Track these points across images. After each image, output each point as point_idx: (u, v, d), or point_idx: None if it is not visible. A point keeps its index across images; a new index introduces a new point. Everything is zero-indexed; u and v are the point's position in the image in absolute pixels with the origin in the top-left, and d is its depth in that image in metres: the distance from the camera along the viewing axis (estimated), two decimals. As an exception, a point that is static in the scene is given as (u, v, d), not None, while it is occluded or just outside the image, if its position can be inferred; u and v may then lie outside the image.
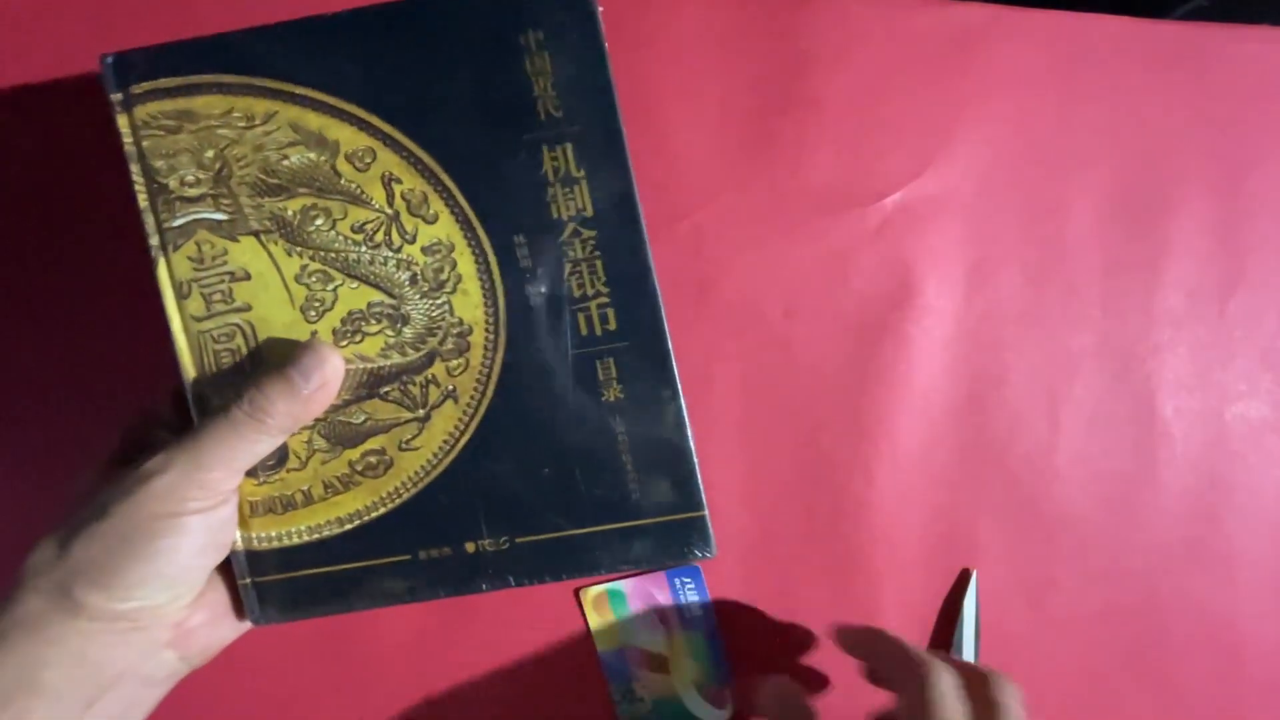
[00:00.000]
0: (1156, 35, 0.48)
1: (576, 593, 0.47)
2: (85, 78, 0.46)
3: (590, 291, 0.34)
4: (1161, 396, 0.48)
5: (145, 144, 0.35)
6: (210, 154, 0.34)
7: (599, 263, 0.34)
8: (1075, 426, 0.48)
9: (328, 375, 0.32)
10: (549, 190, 0.34)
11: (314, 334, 0.34)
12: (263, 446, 0.32)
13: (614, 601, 0.47)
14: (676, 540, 0.36)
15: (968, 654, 0.47)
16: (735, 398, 0.47)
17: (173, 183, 0.35)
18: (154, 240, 0.35)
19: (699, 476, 0.36)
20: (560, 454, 0.35)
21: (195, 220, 0.35)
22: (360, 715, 0.47)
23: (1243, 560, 0.48)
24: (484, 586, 0.36)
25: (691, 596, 0.47)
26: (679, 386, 0.35)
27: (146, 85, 0.34)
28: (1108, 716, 0.48)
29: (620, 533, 0.36)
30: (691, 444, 0.36)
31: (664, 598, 0.47)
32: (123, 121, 0.35)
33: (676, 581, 0.47)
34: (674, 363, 0.35)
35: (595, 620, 0.47)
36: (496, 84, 0.34)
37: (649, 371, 0.35)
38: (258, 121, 0.34)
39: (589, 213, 0.34)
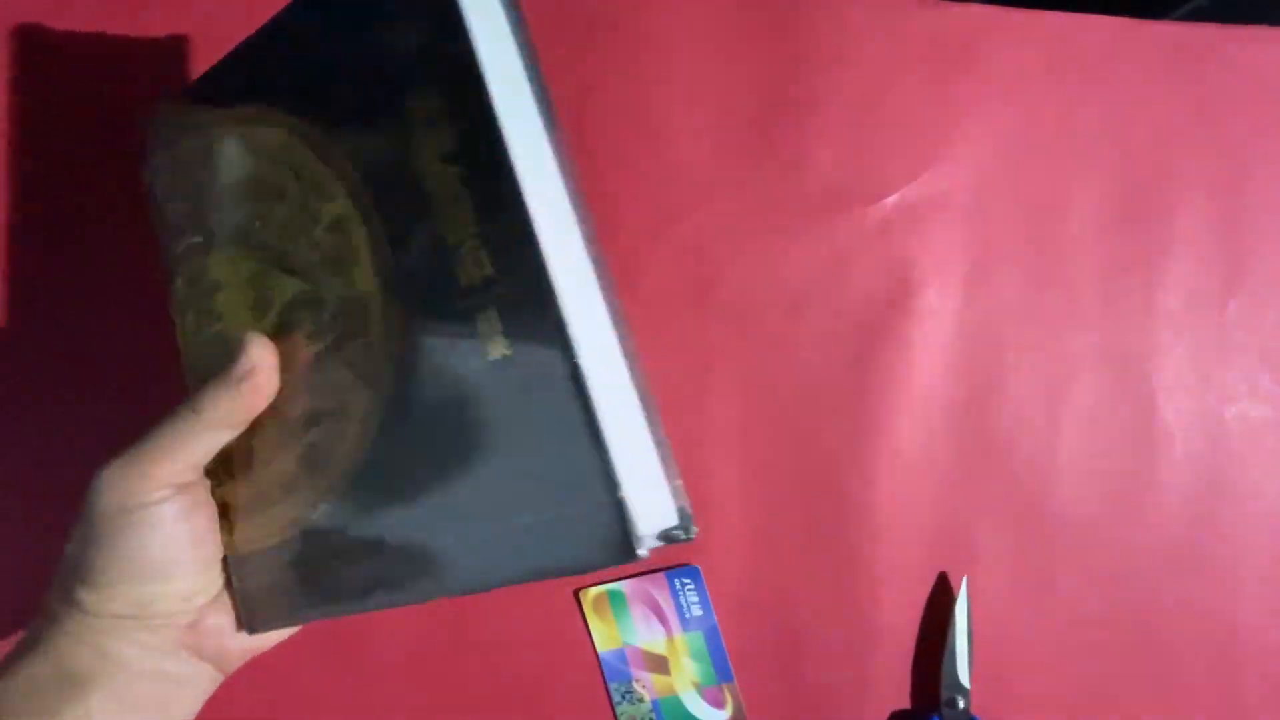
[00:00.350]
0: (1156, 35, 0.48)
1: (576, 593, 0.47)
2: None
3: (464, 235, 0.29)
4: (1161, 397, 0.48)
5: (156, 188, 0.39)
6: (189, 183, 0.38)
7: (468, 200, 0.29)
8: (1075, 427, 0.48)
9: (252, 365, 0.32)
10: (414, 134, 0.30)
11: (249, 331, 0.34)
12: (205, 440, 0.32)
13: (614, 601, 0.47)
14: (583, 535, 0.27)
15: (961, 662, 0.47)
16: (735, 398, 0.47)
17: (171, 216, 0.38)
18: (168, 269, 0.38)
19: (610, 452, 0.26)
20: (460, 428, 0.30)
21: (188, 246, 0.38)
22: (360, 715, 0.47)
23: (1242, 560, 0.48)
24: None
25: (691, 596, 0.47)
26: (570, 335, 0.27)
27: (161, 138, 0.39)
28: (1108, 716, 0.48)
29: (525, 529, 0.28)
30: (596, 409, 0.27)
31: (664, 598, 0.47)
32: (147, 174, 0.39)
33: (676, 582, 0.47)
34: (563, 307, 0.27)
35: (595, 620, 0.47)
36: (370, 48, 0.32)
37: (531, 320, 0.28)
38: (214, 143, 0.37)
39: (451, 148, 0.29)
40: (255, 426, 0.34)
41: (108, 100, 0.47)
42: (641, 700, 0.48)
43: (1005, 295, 0.48)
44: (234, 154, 0.36)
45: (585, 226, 0.29)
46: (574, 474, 0.27)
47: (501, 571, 0.29)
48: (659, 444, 0.29)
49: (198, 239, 0.37)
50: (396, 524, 0.31)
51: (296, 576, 0.34)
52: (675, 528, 0.28)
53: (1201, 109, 0.48)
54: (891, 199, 0.47)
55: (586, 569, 0.27)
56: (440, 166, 0.29)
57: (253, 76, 0.36)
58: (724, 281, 0.47)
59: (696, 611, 0.48)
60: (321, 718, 0.47)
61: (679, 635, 0.48)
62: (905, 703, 0.47)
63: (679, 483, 0.29)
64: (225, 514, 0.35)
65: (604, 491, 0.26)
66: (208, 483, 0.34)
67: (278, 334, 0.34)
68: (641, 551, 0.26)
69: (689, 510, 0.28)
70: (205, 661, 0.34)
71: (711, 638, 0.48)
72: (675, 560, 0.47)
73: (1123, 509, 0.48)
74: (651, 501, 0.28)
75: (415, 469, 0.30)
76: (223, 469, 0.35)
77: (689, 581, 0.47)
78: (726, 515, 0.47)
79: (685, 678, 0.48)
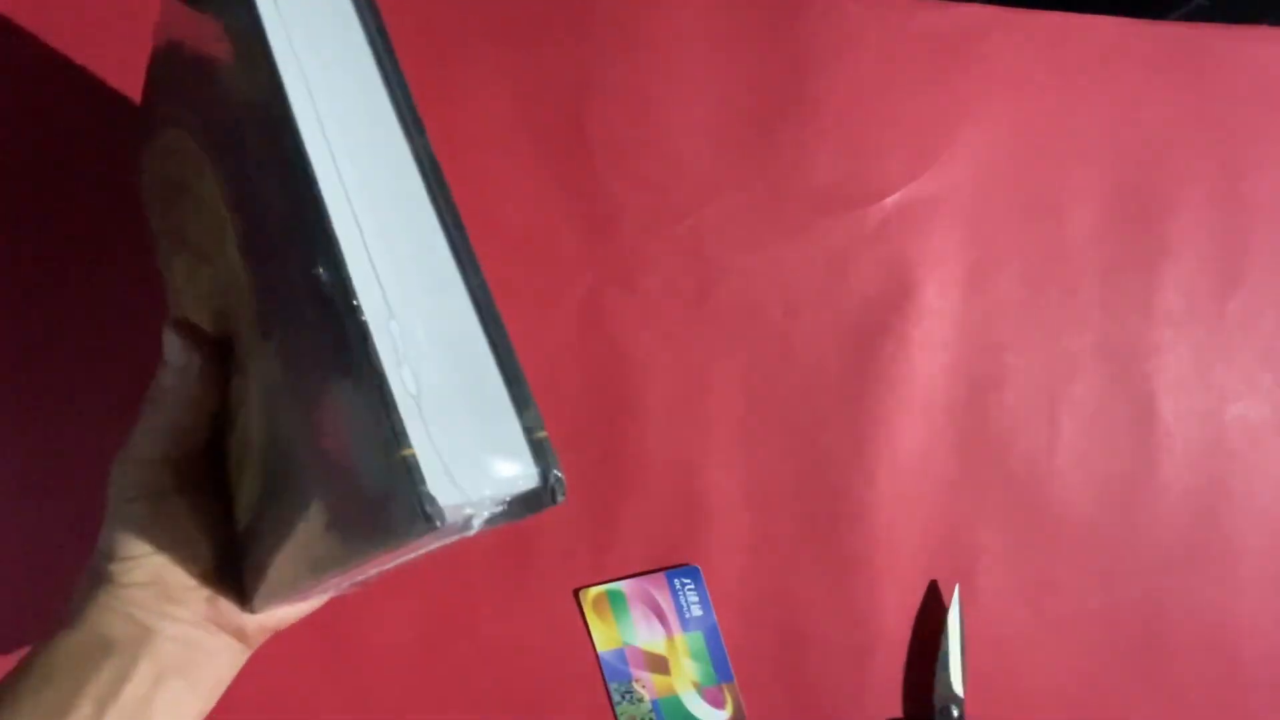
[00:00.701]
0: (1156, 36, 0.48)
1: (576, 593, 0.47)
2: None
3: (259, 164, 0.26)
4: (1161, 397, 0.48)
5: (145, 196, 0.39)
6: (151, 193, 0.38)
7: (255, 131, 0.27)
8: (1075, 427, 0.48)
9: (171, 359, 0.33)
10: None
11: (171, 322, 0.34)
12: (169, 430, 0.33)
13: (614, 601, 0.47)
14: (379, 505, 0.22)
15: (955, 672, 0.46)
16: (735, 398, 0.47)
17: (154, 223, 0.39)
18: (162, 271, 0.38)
19: (395, 401, 0.22)
20: (290, 391, 0.27)
21: (165, 249, 0.38)
22: (360, 715, 0.47)
23: (1242, 560, 0.48)
24: None
25: (691, 596, 0.47)
26: (341, 254, 0.23)
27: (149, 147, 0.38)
28: (1108, 716, 0.48)
29: (338, 503, 0.25)
30: (379, 355, 0.23)
31: (664, 598, 0.47)
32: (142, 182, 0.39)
33: (676, 582, 0.47)
34: (330, 217, 0.23)
35: (595, 620, 0.47)
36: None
37: (308, 251, 0.24)
38: (152, 154, 0.37)
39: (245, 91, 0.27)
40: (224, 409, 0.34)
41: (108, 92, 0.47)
42: (641, 700, 0.48)
43: (1005, 295, 0.48)
44: (162, 155, 0.36)
45: (411, 140, 0.25)
46: (375, 433, 0.22)
47: (343, 549, 0.25)
48: (510, 390, 0.24)
49: (164, 241, 0.38)
50: (284, 500, 0.29)
51: (261, 561, 0.34)
52: (537, 489, 0.23)
53: (1201, 109, 0.48)
54: (891, 199, 0.47)
55: (391, 543, 0.23)
56: (244, 113, 0.27)
57: (160, 72, 0.35)
58: (724, 281, 0.47)
59: (696, 611, 0.48)
60: (321, 717, 0.47)
61: (679, 635, 0.48)
62: (905, 702, 0.47)
63: (542, 435, 0.24)
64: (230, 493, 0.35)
65: (391, 451, 0.22)
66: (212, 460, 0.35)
67: (218, 324, 0.34)
68: (441, 520, 0.21)
69: (556, 471, 0.23)
70: (229, 635, 0.35)
71: (711, 638, 0.48)
72: (675, 560, 0.47)
73: (1122, 509, 0.48)
74: (488, 461, 0.23)
75: (280, 441, 0.28)
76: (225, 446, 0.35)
77: (689, 581, 0.47)
78: (726, 515, 0.47)
79: (685, 678, 0.48)
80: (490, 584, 0.47)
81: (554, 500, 0.23)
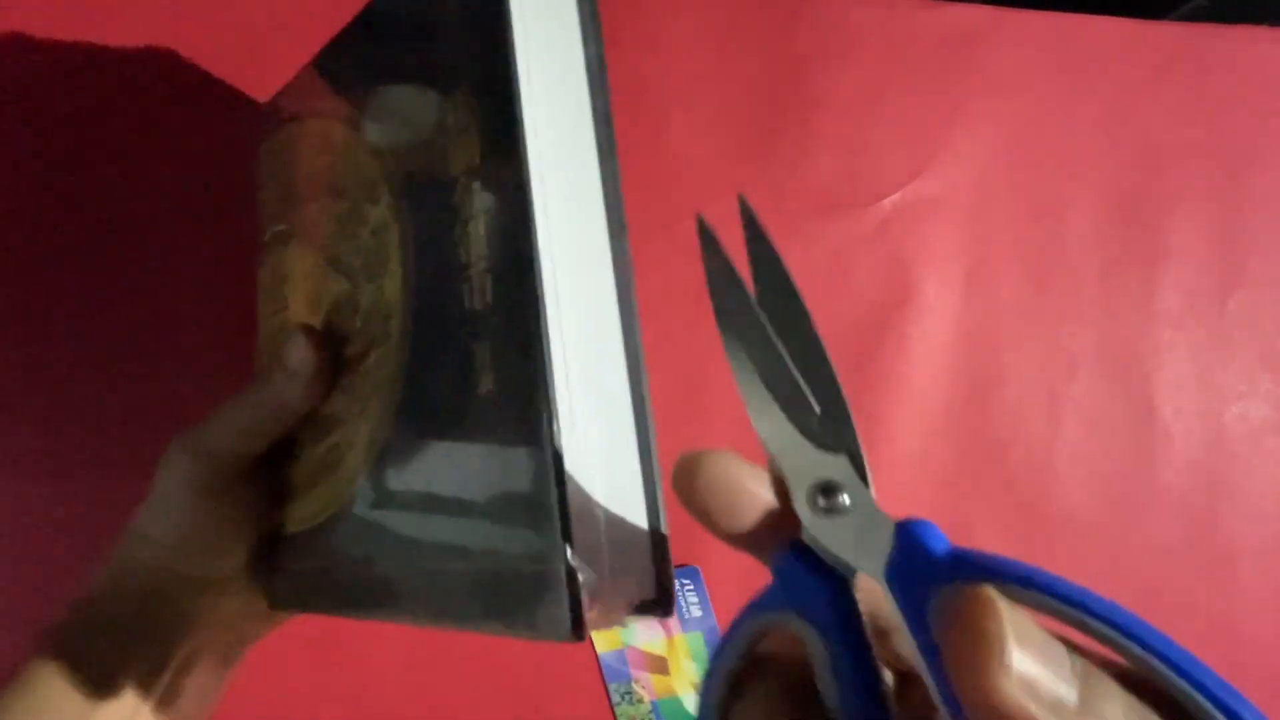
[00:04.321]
0: (1156, 36, 0.48)
1: (576, 593, 0.47)
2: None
3: (476, 257, 0.27)
4: (1161, 397, 0.48)
5: (258, 175, 0.39)
6: (280, 172, 0.38)
7: (482, 220, 0.27)
8: (1075, 426, 0.48)
9: (291, 362, 0.32)
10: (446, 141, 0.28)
11: (300, 326, 0.34)
12: (255, 427, 0.33)
13: (614, 602, 0.48)
14: (524, 599, 0.24)
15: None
16: (735, 398, 0.47)
17: (263, 204, 0.39)
18: (260, 254, 0.39)
19: (566, 511, 0.23)
20: (441, 457, 0.28)
21: (274, 234, 0.38)
22: (360, 715, 0.47)
23: (1242, 560, 0.48)
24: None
25: (691, 597, 0.47)
26: (554, 391, 0.24)
27: (266, 126, 0.39)
28: (1108, 717, 0.48)
29: (462, 576, 0.26)
30: (555, 463, 0.24)
31: (664, 598, 0.47)
32: (256, 166, 0.40)
33: (676, 582, 0.47)
34: (551, 359, 0.24)
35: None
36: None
37: (517, 362, 0.25)
38: (298, 137, 0.37)
39: (476, 162, 0.27)
40: (312, 415, 0.34)
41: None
42: (641, 701, 0.48)
43: (1004, 295, 0.48)
44: (313, 148, 0.36)
45: (616, 270, 0.26)
46: (529, 534, 0.24)
47: (450, 615, 0.27)
48: (650, 518, 0.26)
49: (281, 227, 0.37)
50: (379, 544, 0.30)
51: (306, 570, 0.34)
52: (651, 602, 0.25)
53: (1201, 109, 0.48)
54: (891, 199, 0.47)
55: (522, 635, 0.24)
56: (465, 179, 0.27)
57: (336, 67, 0.35)
58: (724, 281, 0.47)
59: (696, 612, 0.47)
60: (321, 717, 0.47)
61: (679, 636, 0.48)
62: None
63: (667, 561, 0.26)
64: (286, 492, 0.35)
65: (553, 560, 0.23)
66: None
67: (325, 332, 0.34)
68: (582, 631, 0.23)
69: (671, 588, 0.25)
70: (257, 620, 0.36)
71: (711, 638, 0.48)
72: (675, 561, 0.47)
73: (1122, 508, 0.48)
74: (619, 574, 0.25)
75: (401, 492, 0.29)
76: (295, 445, 0.35)
77: (689, 582, 0.47)
78: (726, 515, 0.47)
79: (685, 678, 0.48)
80: (490, 584, 0.47)
81: (665, 613, 0.25)
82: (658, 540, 0.26)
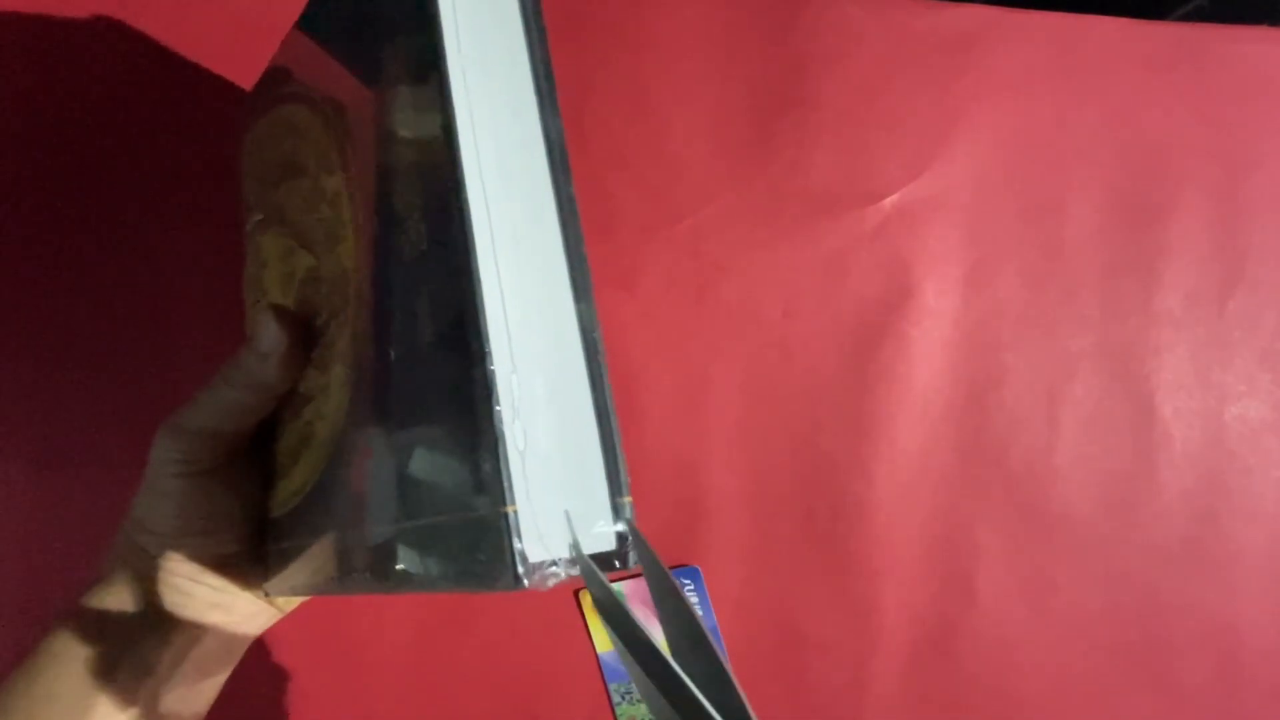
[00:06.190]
0: (1155, 36, 0.48)
1: (576, 593, 0.47)
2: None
3: (410, 206, 0.26)
4: (1161, 397, 0.48)
5: (244, 168, 0.39)
6: (256, 164, 0.38)
7: (415, 170, 0.27)
8: (1075, 427, 0.48)
9: (262, 345, 0.32)
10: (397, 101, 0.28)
11: (270, 306, 0.33)
12: (234, 410, 0.33)
13: (614, 602, 0.47)
14: (464, 549, 0.24)
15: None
16: (735, 398, 0.47)
17: (245, 195, 0.39)
18: (244, 247, 0.39)
19: (508, 460, 0.23)
20: (394, 414, 0.27)
21: (254, 223, 0.38)
22: (360, 715, 0.47)
23: (1242, 560, 0.48)
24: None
25: (691, 597, 0.47)
26: (487, 327, 0.23)
27: (248, 119, 0.38)
28: (1108, 716, 0.48)
29: (416, 531, 0.26)
30: (502, 412, 0.23)
31: (664, 598, 0.47)
32: (239, 158, 0.39)
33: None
34: (483, 293, 0.24)
35: (595, 621, 0.47)
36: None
37: (450, 302, 0.24)
38: (270, 123, 0.36)
39: (409, 110, 0.27)
40: (289, 395, 0.34)
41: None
42: (641, 700, 0.48)
43: (1004, 295, 0.48)
44: (280, 132, 0.36)
45: (561, 209, 0.26)
46: (475, 479, 0.23)
47: (417, 576, 0.26)
48: (606, 456, 0.25)
49: (260, 216, 0.37)
50: (341, 514, 0.30)
51: (289, 550, 0.34)
52: (610, 553, 0.24)
53: (1201, 109, 0.48)
54: (890, 199, 0.47)
55: (470, 587, 0.24)
56: (399, 129, 0.27)
57: (309, 28, 0.35)
58: (724, 281, 0.47)
59: (696, 612, 0.47)
60: (321, 717, 0.47)
61: (679, 635, 0.48)
62: (905, 703, 0.47)
63: (626, 500, 0.25)
64: (274, 474, 0.35)
65: (493, 503, 0.22)
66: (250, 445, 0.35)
67: (300, 309, 0.34)
68: (529, 579, 0.22)
69: (632, 534, 0.25)
70: (260, 603, 0.36)
71: (711, 638, 0.48)
72: (675, 560, 0.47)
73: (1122, 508, 0.48)
74: (574, 522, 0.24)
75: (364, 456, 0.28)
76: (279, 425, 0.35)
77: (689, 582, 0.47)
78: (726, 515, 0.47)
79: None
80: (490, 584, 0.47)
81: (625, 564, 0.25)
82: (616, 483, 0.25)
